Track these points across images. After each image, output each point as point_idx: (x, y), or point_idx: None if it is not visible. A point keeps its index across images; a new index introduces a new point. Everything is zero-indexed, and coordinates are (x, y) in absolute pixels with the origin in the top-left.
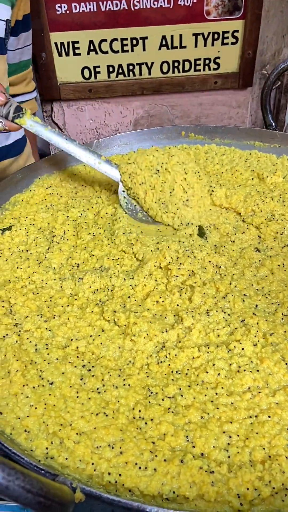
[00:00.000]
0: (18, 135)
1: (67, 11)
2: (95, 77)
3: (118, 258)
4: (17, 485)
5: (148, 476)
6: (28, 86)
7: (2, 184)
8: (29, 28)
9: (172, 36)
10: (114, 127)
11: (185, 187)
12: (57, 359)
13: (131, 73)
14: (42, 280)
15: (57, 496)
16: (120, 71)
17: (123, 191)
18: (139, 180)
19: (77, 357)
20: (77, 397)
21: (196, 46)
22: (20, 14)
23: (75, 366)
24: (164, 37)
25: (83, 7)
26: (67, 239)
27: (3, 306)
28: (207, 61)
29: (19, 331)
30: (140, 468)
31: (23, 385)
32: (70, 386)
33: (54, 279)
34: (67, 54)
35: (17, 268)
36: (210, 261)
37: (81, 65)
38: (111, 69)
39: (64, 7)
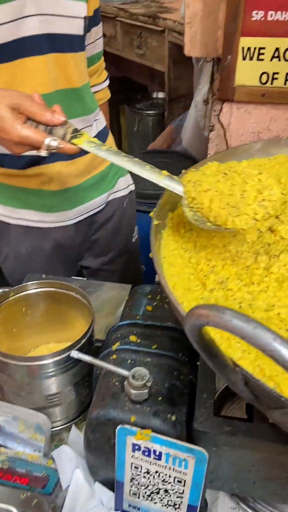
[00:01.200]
0: (100, 126)
1: (262, 18)
2: (271, 83)
3: None
4: None
5: None
6: (100, 76)
7: (198, 165)
8: (99, 21)
9: None
10: (276, 133)
11: (259, 187)
12: (261, 318)
13: None
14: (237, 251)
15: None
16: None
17: (187, 204)
18: (204, 187)
19: (280, 321)
20: None
21: None
22: (91, 9)
23: (280, 328)
24: None
25: (278, 15)
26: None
27: (208, 265)
28: None
29: (223, 288)
30: None
31: None
32: None
33: (249, 252)
34: (251, 59)
35: (213, 236)
36: None
37: (261, 70)
38: None
39: (261, 14)
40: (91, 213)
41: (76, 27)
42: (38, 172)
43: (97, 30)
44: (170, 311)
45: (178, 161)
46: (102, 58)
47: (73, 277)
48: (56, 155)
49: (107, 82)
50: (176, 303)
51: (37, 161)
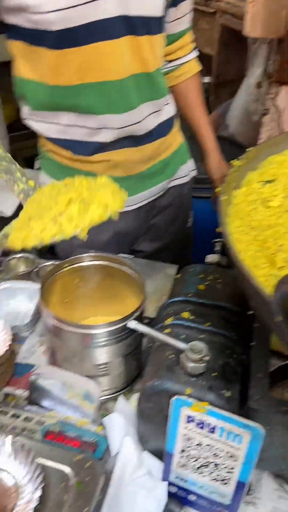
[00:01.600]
0: (168, 114)
1: None
2: None
3: None
4: None
5: None
6: (184, 50)
7: (262, 145)
8: None
9: None
10: None
11: (75, 199)
12: None
13: None
14: None
15: None
16: None
17: None
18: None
19: None
20: None
21: None
22: None
23: None
24: None
25: None
26: None
27: (275, 243)
28: None
29: None
30: None
31: None
32: None
33: None
34: None
35: (279, 216)
36: None
37: None
38: None
39: None
40: (152, 199)
41: (154, 9)
42: (106, 158)
43: (186, 5)
44: (224, 291)
45: (225, 146)
46: (189, 33)
47: (119, 254)
48: (123, 141)
49: (194, 54)
50: (250, 275)
51: (105, 146)
